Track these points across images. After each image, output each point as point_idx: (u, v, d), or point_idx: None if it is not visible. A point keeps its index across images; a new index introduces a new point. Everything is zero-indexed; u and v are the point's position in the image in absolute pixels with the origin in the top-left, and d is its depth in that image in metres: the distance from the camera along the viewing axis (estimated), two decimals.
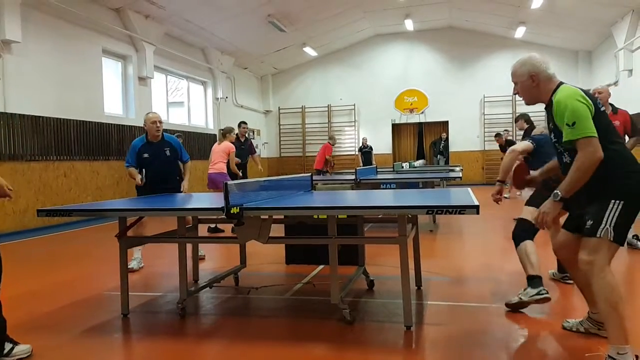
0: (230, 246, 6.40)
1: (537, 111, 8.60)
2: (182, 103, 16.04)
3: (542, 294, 3.60)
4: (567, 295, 4.18)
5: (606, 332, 2.70)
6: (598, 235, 2.64)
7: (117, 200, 5.27)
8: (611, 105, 5.69)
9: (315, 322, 3.59)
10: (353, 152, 20.19)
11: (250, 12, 14.18)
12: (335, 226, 3.49)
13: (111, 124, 11.42)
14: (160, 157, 5.59)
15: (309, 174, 5.14)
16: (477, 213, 2.89)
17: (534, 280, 3.69)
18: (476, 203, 2.99)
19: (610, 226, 2.63)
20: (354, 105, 20.47)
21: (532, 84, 2.88)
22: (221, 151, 8.18)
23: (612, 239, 2.63)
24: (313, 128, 20.92)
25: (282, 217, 4.38)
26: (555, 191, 2.69)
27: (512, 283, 4.56)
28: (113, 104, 12.09)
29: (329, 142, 13.76)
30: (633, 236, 5.74)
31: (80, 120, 10.45)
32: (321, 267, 5.17)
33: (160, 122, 5.63)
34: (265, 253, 5.86)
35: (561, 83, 2.83)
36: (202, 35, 14.82)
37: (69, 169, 10.12)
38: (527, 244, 3.83)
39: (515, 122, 8.73)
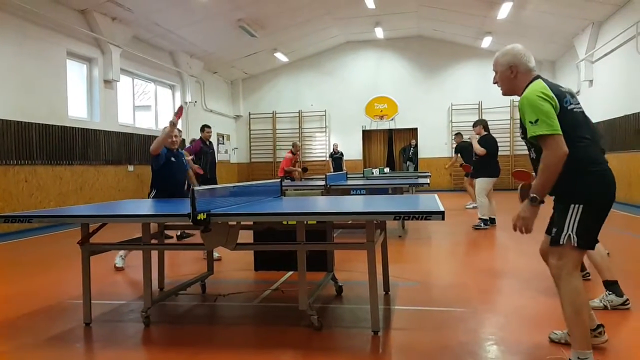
0: (198, 253, 6.31)
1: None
2: (150, 107, 15.81)
3: (627, 305, 3.73)
4: (546, 306, 4.25)
5: (570, 337, 2.73)
6: (561, 243, 2.65)
7: (80, 206, 5.15)
8: None
9: (283, 329, 3.57)
10: (324, 158, 20.24)
11: (220, 16, 14.09)
12: (304, 232, 3.48)
13: (75, 127, 11.16)
14: (180, 164, 5.98)
15: (279, 180, 5.12)
16: (443, 219, 2.92)
17: (614, 287, 3.80)
18: (442, 209, 3.03)
19: (572, 232, 2.63)
20: (325, 111, 20.53)
21: (511, 75, 2.88)
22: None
23: (575, 245, 2.63)
24: (284, 134, 20.88)
25: (251, 223, 4.34)
26: (532, 194, 2.63)
27: (478, 287, 4.63)
28: (77, 108, 11.82)
29: (290, 151, 12.72)
30: None
31: (42, 124, 10.19)
32: (290, 273, 5.15)
33: (180, 130, 6.01)
34: (234, 259, 5.81)
35: (536, 77, 2.83)
36: (170, 38, 14.65)
37: (30, 174, 9.84)
38: (600, 247, 3.72)
39: (473, 127, 8.94)
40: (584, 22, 13.89)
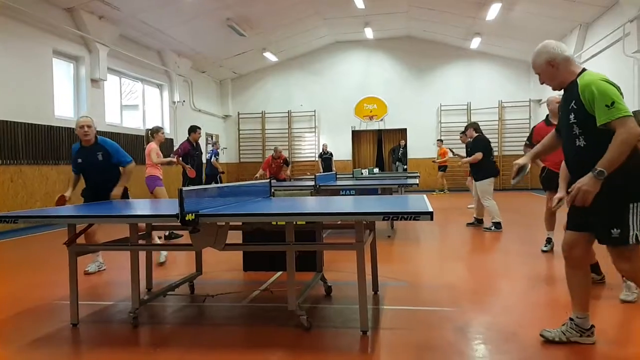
0: (186, 253, 6.28)
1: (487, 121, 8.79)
2: (137, 106, 15.70)
3: None
4: (538, 305, 4.27)
5: None
6: (631, 242, 2.70)
7: (67, 206, 5.09)
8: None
9: (272, 329, 3.56)
10: (313, 159, 20.24)
11: (208, 15, 14.03)
12: (292, 233, 3.47)
13: (62, 127, 11.05)
14: (92, 162, 5.34)
15: (268, 180, 5.11)
16: (431, 219, 2.93)
17: None
18: (430, 209, 3.03)
19: (638, 231, 2.70)
20: (314, 111, 20.53)
21: (552, 69, 2.93)
22: (147, 154, 7.66)
23: (636, 242, 2.71)
24: (273, 134, 20.85)
25: (240, 223, 4.32)
26: (597, 167, 2.63)
27: (467, 287, 4.65)
28: (64, 107, 11.71)
29: (271, 155, 12.41)
30: None
31: (28, 123, 10.08)
32: (279, 273, 5.13)
33: (89, 126, 5.33)
34: (223, 260, 5.78)
35: (584, 69, 2.91)
36: (158, 37, 14.56)
37: (16, 174, 9.73)
38: None
39: (465, 131, 8.93)
40: (572, 23, 14.02)
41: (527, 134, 6.68)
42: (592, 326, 3.02)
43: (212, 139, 19.09)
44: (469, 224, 8.81)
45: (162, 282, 4.84)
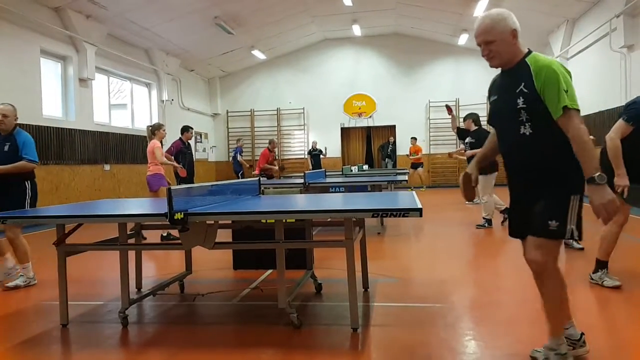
0: (176, 252, 6.26)
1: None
2: (126, 105, 15.60)
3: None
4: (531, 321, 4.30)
5: (549, 327, 2.66)
6: (567, 237, 2.53)
7: (55, 206, 5.05)
8: None
9: (262, 328, 3.56)
10: (302, 156, 20.23)
11: (196, 13, 13.97)
12: (282, 231, 3.48)
13: (50, 127, 10.97)
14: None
15: (257, 178, 5.11)
16: (420, 215, 2.94)
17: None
18: (419, 206, 3.04)
19: (573, 225, 2.52)
20: (303, 108, 20.52)
21: (513, 41, 2.59)
22: (149, 152, 7.61)
23: (575, 237, 2.55)
24: (262, 131, 20.81)
25: (230, 222, 4.32)
26: (593, 176, 2.37)
27: (457, 283, 4.68)
28: (52, 107, 11.62)
29: (267, 148, 12.41)
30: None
31: (16, 123, 9.95)
32: (269, 271, 5.14)
33: (6, 115, 5.19)
34: (213, 259, 5.77)
35: (530, 50, 2.65)
36: (146, 36, 14.47)
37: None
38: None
39: (464, 122, 8.75)
40: (559, 19, 14.12)
41: None
42: (582, 334, 2.82)
43: (200, 137, 19.07)
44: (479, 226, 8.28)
45: (152, 282, 4.83)
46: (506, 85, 2.64)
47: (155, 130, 7.75)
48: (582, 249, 5.84)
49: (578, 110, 2.43)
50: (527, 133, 2.54)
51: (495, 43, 2.58)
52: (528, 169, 2.61)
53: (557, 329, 2.64)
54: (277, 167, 12.91)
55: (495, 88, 2.74)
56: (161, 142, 7.79)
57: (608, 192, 2.37)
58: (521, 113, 2.54)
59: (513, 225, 2.80)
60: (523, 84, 2.52)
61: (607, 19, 11.53)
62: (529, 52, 2.61)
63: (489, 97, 2.81)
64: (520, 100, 2.53)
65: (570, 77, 2.50)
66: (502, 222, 8.20)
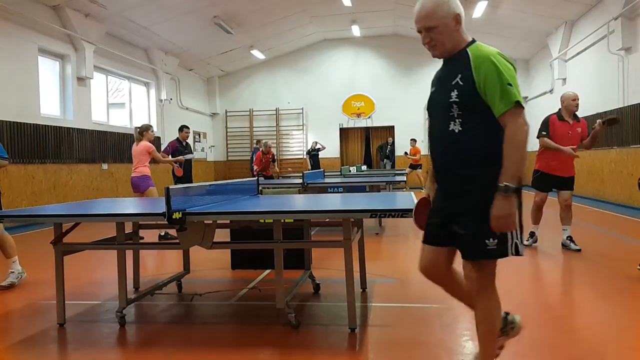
0: (174, 252, 6.25)
1: None
2: (124, 104, 15.59)
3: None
4: None
5: (481, 353, 2.42)
6: (510, 254, 2.22)
7: (53, 205, 5.05)
8: (574, 113, 5.95)
9: (260, 328, 3.56)
10: (301, 156, 20.22)
11: (195, 12, 13.96)
12: (280, 231, 3.48)
13: (48, 125, 10.95)
14: None
15: (255, 178, 5.10)
16: None
17: None
18: None
19: (518, 239, 2.23)
20: (302, 109, 20.52)
21: (456, 27, 2.29)
22: (139, 153, 7.56)
23: (521, 253, 2.26)
24: (261, 131, 20.80)
25: (228, 221, 4.32)
26: (502, 184, 2.10)
27: None
28: (50, 105, 11.60)
29: (260, 151, 12.22)
30: (567, 237, 5.99)
31: (14, 122, 9.97)
32: (267, 271, 5.13)
33: None
34: (211, 258, 5.77)
35: (474, 39, 2.37)
36: (145, 35, 14.46)
37: (1, 173, 9.61)
38: None
39: None
40: (557, 21, 14.13)
41: None
42: (506, 314, 2.61)
43: (199, 137, 19.04)
44: None
45: (149, 281, 4.82)
46: (444, 77, 2.36)
47: (143, 131, 7.71)
48: (579, 250, 5.85)
49: (523, 108, 2.17)
50: (457, 130, 2.24)
51: (437, 29, 2.28)
52: (454, 172, 2.28)
53: (490, 355, 2.39)
54: (276, 168, 12.89)
55: (436, 79, 2.45)
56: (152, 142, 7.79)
57: (510, 205, 2.10)
58: (453, 107, 2.24)
59: (430, 229, 2.43)
60: (460, 75, 2.24)
61: (605, 22, 11.55)
62: (473, 41, 2.33)
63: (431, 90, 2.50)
64: (454, 94, 2.24)
65: (515, 70, 2.24)
66: None
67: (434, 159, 2.41)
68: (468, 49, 2.27)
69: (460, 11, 2.30)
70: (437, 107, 2.36)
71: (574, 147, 5.75)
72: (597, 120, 5.73)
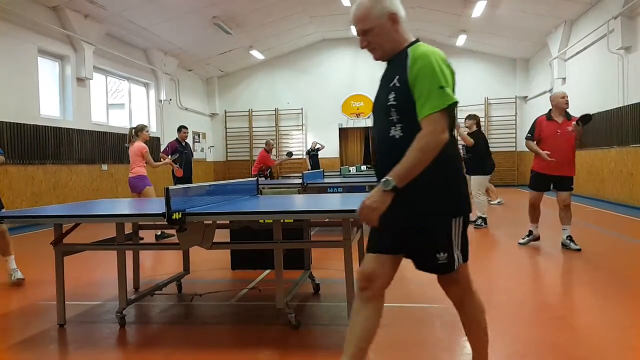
0: (174, 252, 6.25)
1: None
2: (123, 105, 15.59)
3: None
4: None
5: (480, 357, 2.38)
6: (455, 268, 2.16)
7: (53, 206, 5.05)
8: (566, 112, 5.99)
9: (260, 328, 3.56)
10: (301, 156, 20.22)
11: (194, 13, 13.96)
12: (280, 231, 3.48)
13: (47, 126, 10.95)
14: None
15: (255, 178, 5.11)
16: None
17: None
18: None
19: (458, 251, 2.15)
20: (302, 109, 20.51)
21: (393, 27, 2.16)
22: (134, 154, 7.58)
23: (461, 262, 2.19)
24: (260, 132, 20.80)
25: (227, 222, 4.32)
26: (386, 178, 1.99)
27: None
28: (50, 106, 11.60)
29: (264, 149, 12.05)
30: (567, 237, 6.00)
31: (13, 123, 9.96)
32: (267, 271, 5.13)
33: None
34: (210, 259, 5.77)
35: (418, 39, 2.23)
36: (144, 35, 14.46)
37: (1, 174, 9.62)
38: None
39: (466, 120, 8.70)
40: (557, 20, 14.14)
41: (513, 131, 6.76)
42: None
43: (198, 137, 19.05)
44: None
45: (149, 282, 4.82)
46: (384, 78, 2.23)
47: (138, 131, 7.73)
48: (579, 249, 5.85)
49: (442, 112, 2.00)
50: (397, 136, 2.10)
51: (373, 31, 2.16)
52: None
53: (483, 353, 2.36)
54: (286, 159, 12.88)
55: (380, 81, 2.29)
56: (146, 143, 7.79)
57: (382, 201, 1.99)
58: (391, 111, 2.11)
59: (375, 238, 2.22)
60: (397, 77, 2.11)
61: (604, 21, 11.55)
62: (416, 41, 2.19)
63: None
64: (391, 96, 2.11)
65: (453, 76, 2.12)
66: (475, 225, 8.13)
67: (376, 165, 2.26)
68: (409, 49, 2.13)
69: (397, 10, 2.16)
70: (378, 110, 2.22)
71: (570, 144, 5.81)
72: (572, 123, 5.78)
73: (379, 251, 2.18)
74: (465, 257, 2.21)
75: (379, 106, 2.19)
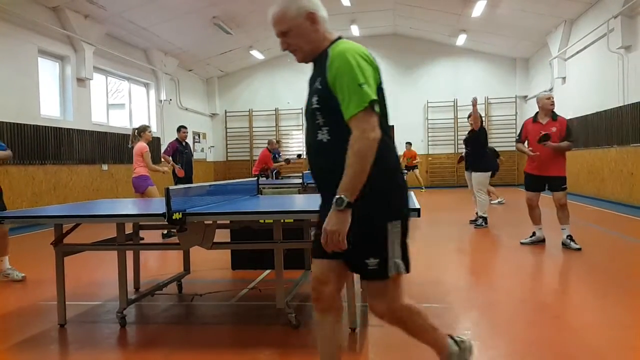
0: (174, 252, 6.26)
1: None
2: (124, 105, 15.59)
3: None
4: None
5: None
6: (390, 275, 2.02)
7: (53, 206, 5.05)
8: (552, 112, 6.07)
9: (260, 328, 3.56)
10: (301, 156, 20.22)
11: (194, 13, 13.96)
12: (280, 231, 3.48)
13: (48, 126, 10.95)
14: None
15: (255, 178, 5.11)
16: (419, 216, 2.94)
17: None
18: (417, 206, 3.05)
19: (398, 258, 2.03)
20: (302, 109, 20.48)
21: (312, 27, 2.07)
22: (136, 154, 7.63)
23: (402, 271, 2.06)
24: (260, 132, 20.80)
25: (228, 222, 4.32)
26: (338, 196, 1.89)
27: (455, 284, 4.69)
28: (50, 106, 11.60)
29: (267, 148, 12.23)
30: (567, 236, 6.00)
31: (14, 123, 9.97)
32: (268, 271, 5.14)
33: None
34: (211, 259, 5.77)
35: (340, 37, 2.15)
36: (144, 36, 14.46)
37: (1, 174, 9.62)
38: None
39: (469, 118, 8.74)
40: (557, 19, 14.14)
41: (514, 131, 6.86)
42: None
43: (198, 137, 19.06)
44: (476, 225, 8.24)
45: (150, 282, 4.82)
46: (310, 81, 2.14)
47: (141, 132, 7.75)
48: (579, 249, 5.85)
49: (369, 110, 1.91)
50: (325, 140, 2.03)
51: (291, 33, 2.07)
52: (328, 184, 2.00)
53: (442, 345, 2.29)
54: (282, 164, 12.88)
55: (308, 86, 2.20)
56: (148, 143, 7.81)
57: (341, 221, 1.89)
58: (317, 115, 2.03)
59: (315, 243, 2.14)
60: (319, 78, 2.03)
61: (604, 20, 11.55)
62: (338, 39, 2.12)
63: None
64: (314, 99, 2.04)
65: (376, 71, 2.05)
66: (476, 225, 8.16)
67: (310, 169, 2.20)
68: (329, 49, 2.04)
69: (315, 9, 2.09)
70: (306, 114, 2.14)
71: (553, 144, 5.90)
72: (552, 129, 5.99)
73: (319, 256, 2.11)
74: (407, 267, 2.08)
75: (306, 110, 2.12)
